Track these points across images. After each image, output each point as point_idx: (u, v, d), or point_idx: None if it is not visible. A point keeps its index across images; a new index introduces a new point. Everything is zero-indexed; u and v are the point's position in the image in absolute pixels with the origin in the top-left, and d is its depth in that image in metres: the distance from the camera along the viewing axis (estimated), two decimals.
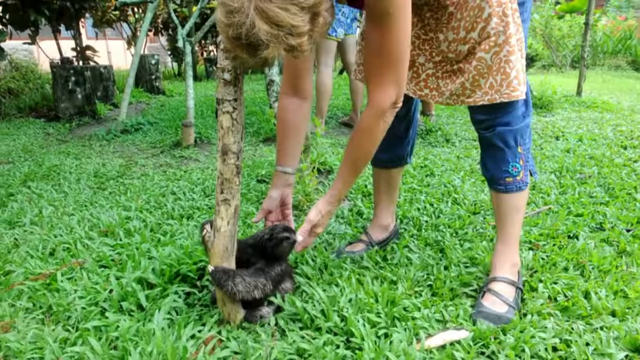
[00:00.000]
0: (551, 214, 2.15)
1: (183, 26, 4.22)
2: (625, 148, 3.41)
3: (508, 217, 1.50)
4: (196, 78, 8.39)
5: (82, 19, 6.49)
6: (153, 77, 6.89)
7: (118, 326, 1.30)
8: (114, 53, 11.52)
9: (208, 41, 9.71)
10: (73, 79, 5.06)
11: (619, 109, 5.12)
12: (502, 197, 1.49)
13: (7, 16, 5.01)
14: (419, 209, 2.21)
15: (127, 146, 3.82)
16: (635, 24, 13.00)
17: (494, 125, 1.43)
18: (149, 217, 2.17)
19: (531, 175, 1.50)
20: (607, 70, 10.40)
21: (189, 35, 4.46)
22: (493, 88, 1.34)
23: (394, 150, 1.74)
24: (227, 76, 1.25)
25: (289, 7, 0.96)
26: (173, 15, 4.38)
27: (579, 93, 5.86)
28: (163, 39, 9.83)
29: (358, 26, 3.74)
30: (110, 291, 1.50)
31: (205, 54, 10.18)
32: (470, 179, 2.65)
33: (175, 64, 10.10)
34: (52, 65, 5.21)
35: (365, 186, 2.52)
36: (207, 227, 1.35)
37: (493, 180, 1.50)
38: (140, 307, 1.44)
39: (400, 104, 1.30)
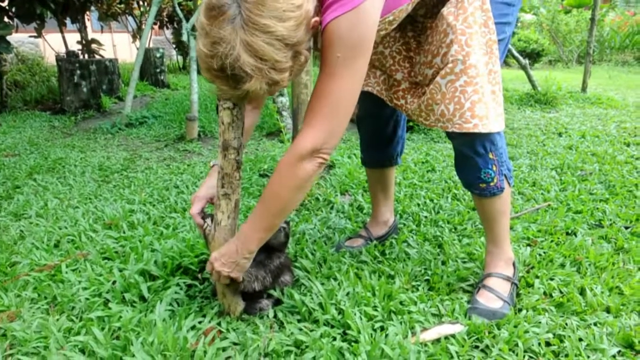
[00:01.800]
0: (550, 211, 2.16)
1: (188, 20, 4.24)
2: (628, 145, 3.40)
3: (492, 220, 1.48)
4: (200, 72, 8.41)
5: (88, 12, 6.52)
6: (158, 70, 6.92)
7: (120, 317, 1.34)
8: (119, 46, 11.54)
9: None
10: (79, 72, 5.10)
11: (624, 106, 5.10)
12: (482, 201, 1.47)
13: (13, 9, 5.04)
14: (418, 205, 2.23)
15: (131, 140, 3.85)
16: None
17: (460, 134, 1.35)
18: (152, 210, 2.20)
19: (507, 181, 1.44)
20: (614, 65, 10.34)
21: (193, 29, 4.47)
22: (444, 116, 1.29)
23: (383, 151, 1.75)
24: None
25: (273, 43, 0.98)
26: (178, 9, 4.40)
27: (583, 89, 5.84)
28: (168, 32, 9.84)
29: None
30: (114, 282, 1.54)
31: None
32: None
33: (180, 57, 10.12)
34: (58, 59, 5.24)
35: (366, 181, 2.53)
36: (208, 220, 1.38)
37: (467, 185, 1.47)
38: (143, 299, 1.47)
39: (326, 158, 1.18)
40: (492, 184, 1.41)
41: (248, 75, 1.00)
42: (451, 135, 1.40)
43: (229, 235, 1.34)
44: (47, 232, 1.99)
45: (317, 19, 1.08)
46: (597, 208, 2.19)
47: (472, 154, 1.38)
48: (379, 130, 1.73)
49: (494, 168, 1.40)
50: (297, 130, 2.60)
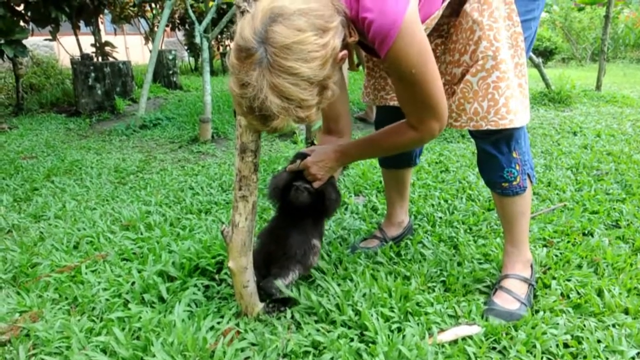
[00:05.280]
0: (566, 211, 2.15)
1: (200, 22, 4.27)
2: None
3: (512, 219, 1.48)
4: (213, 73, 8.46)
5: (101, 15, 6.60)
6: (170, 72, 6.97)
7: (140, 317, 1.36)
8: (131, 48, 11.66)
9: (224, 36, 9.77)
10: (93, 74, 5.16)
11: None
12: (503, 200, 1.47)
13: (29, 14, 5.12)
14: (433, 205, 2.23)
15: (146, 141, 3.90)
16: None
17: (485, 132, 1.37)
18: (169, 211, 2.23)
19: (530, 180, 1.45)
20: (628, 63, 10.20)
21: (205, 31, 4.51)
22: (478, 115, 1.29)
23: (401, 153, 1.73)
24: None
25: (299, 83, 1.00)
26: (190, 11, 4.43)
27: (598, 87, 5.77)
28: (180, 34, 9.92)
29: None
30: (133, 283, 1.56)
31: (221, 48, 10.24)
32: None
33: (192, 59, 10.19)
34: (73, 62, 5.31)
35: (380, 182, 2.54)
36: (298, 161, 1.43)
37: (489, 183, 1.48)
38: (161, 299, 1.49)
39: (443, 128, 1.29)
40: (514, 183, 1.41)
41: (275, 115, 1.02)
42: (475, 134, 1.41)
43: (246, 236, 1.35)
44: (67, 234, 2.02)
45: (345, 52, 1.09)
46: (614, 208, 2.17)
47: (495, 153, 1.39)
48: None
49: (517, 167, 1.40)
50: (310, 131, 2.61)
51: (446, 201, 2.28)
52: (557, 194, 2.37)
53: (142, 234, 1.99)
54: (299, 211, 1.45)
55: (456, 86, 1.34)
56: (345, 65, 1.40)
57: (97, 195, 2.55)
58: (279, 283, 1.39)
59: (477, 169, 2.74)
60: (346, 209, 2.23)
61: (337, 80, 1.12)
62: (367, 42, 1.17)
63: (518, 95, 1.30)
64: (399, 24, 1.06)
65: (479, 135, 1.40)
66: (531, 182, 1.46)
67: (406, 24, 1.07)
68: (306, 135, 2.65)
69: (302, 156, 1.43)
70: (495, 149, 1.39)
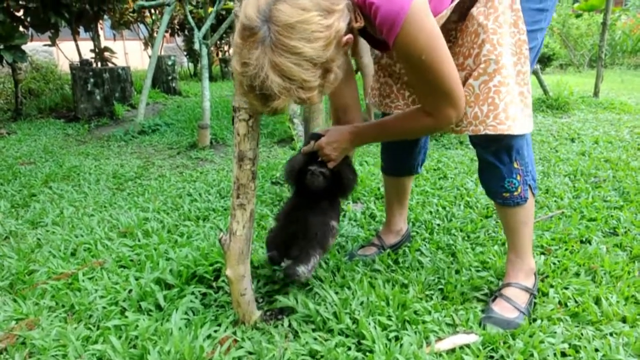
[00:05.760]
0: (564, 218, 2.15)
1: (199, 28, 4.28)
2: None
3: (514, 229, 1.47)
4: (212, 79, 8.48)
5: (101, 21, 6.61)
6: (170, 77, 6.99)
7: (137, 325, 1.35)
8: (131, 54, 11.68)
9: (224, 41, 9.80)
10: (92, 80, 5.17)
11: (637, 110, 5.05)
12: (504, 210, 1.46)
13: (29, 19, 5.13)
14: (431, 212, 2.23)
15: (144, 147, 3.90)
16: None
17: (486, 141, 1.36)
18: (167, 218, 2.23)
19: (532, 191, 1.43)
20: (626, 69, 10.24)
21: (205, 37, 4.52)
22: (477, 119, 1.27)
23: (405, 159, 1.75)
24: None
25: (301, 63, 1.00)
26: (189, 17, 4.45)
27: (596, 94, 5.79)
28: (179, 40, 9.95)
29: None
30: (130, 291, 1.56)
31: (220, 54, 10.27)
32: None
33: (191, 65, 10.21)
34: (72, 67, 5.32)
35: (378, 189, 2.54)
36: (312, 142, 1.43)
37: (490, 193, 1.48)
38: (159, 307, 1.48)
39: (461, 116, 1.27)
40: (515, 193, 1.40)
41: (276, 95, 1.02)
42: (476, 142, 1.40)
43: (244, 244, 1.35)
44: (64, 240, 2.02)
45: (349, 36, 1.08)
46: (612, 215, 2.17)
47: (496, 162, 1.38)
48: (403, 143, 1.72)
49: (518, 177, 1.39)
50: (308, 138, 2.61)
51: (444, 208, 2.28)
52: (555, 201, 2.38)
53: (139, 240, 1.99)
54: (315, 193, 1.46)
55: None
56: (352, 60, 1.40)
57: (95, 201, 2.55)
58: (303, 269, 1.38)
59: (475, 176, 2.77)
60: (344, 215, 2.23)
61: (340, 65, 1.11)
62: (373, 32, 1.17)
63: (518, 103, 1.29)
64: (407, 9, 1.05)
65: (479, 143, 1.39)
66: (533, 193, 1.44)
67: (414, 9, 1.06)
68: (305, 142, 2.65)
69: (316, 137, 1.43)
70: (496, 159, 1.38)
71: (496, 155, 1.38)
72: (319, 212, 1.47)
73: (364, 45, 4.23)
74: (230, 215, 1.35)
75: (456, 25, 1.35)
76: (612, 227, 2.06)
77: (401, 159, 1.75)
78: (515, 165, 1.38)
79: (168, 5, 4.43)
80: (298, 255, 1.43)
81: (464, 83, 1.30)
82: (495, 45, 1.23)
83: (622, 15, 11.08)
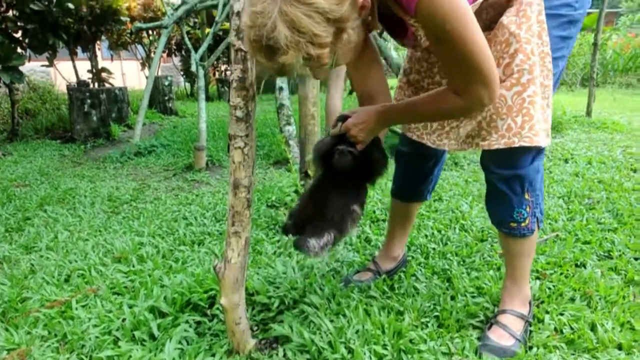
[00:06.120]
0: (559, 242, 2.16)
1: (196, 49, 4.33)
2: (635, 171, 3.40)
3: (515, 258, 1.47)
4: (208, 98, 8.53)
5: (98, 42, 6.67)
6: (166, 98, 7.03)
7: (130, 356, 1.34)
8: (128, 74, 11.75)
9: (220, 61, 9.89)
10: (89, 101, 5.20)
11: (630, 130, 5.11)
12: (509, 240, 1.45)
13: (27, 40, 5.18)
14: (426, 236, 2.23)
15: (140, 169, 3.90)
16: None
17: (499, 168, 1.35)
18: (161, 242, 2.22)
19: (538, 224, 1.42)
20: (618, 88, 10.37)
21: (202, 59, 4.57)
22: (511, 130, 1.23)
23: (416, 186, 1.73)
24: (239, 113, 1.29)
25: (313, 15, 0.95)
26: (186, 39, 4.51)
27: (588, 113, 5.86)
28: (177, 60, 10.03)
29: None
30: (123, 320, 1.54)
31: (217, 74, 10.35)
32: (478, 204, 2.67)
33: (188, 84, 10.28)
34: (69, 88, 5.35)
35: (374, 212, 2.55)
36: (339, 124, 1.36)
37: (497, 222, 1.46)
38: (152, 337, 1.47)
39: (494, 101, 1.19)
40: (523, 224, 1.39)
41: (284, 48, 0.97)
42: (489, 166, 1.37)
43: (238, 272, 1.35)
44: (58, 266, 2.01)
45: None
46: (606, 238, 2.18)
47: (508, 192, 1.36)
48: (418, 168, 1.70)
49: (528, 209, 1.37)
50: (304, 160, 2.62)
51: (439, 231, 2.29)
52: (550, 223, 2.39)
53: (134, 266, 1.98)
54: (342, 175, 1.39)
55: None
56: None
57: (89, 225, 2.54)
58: (314, 243, 1.31)
59: (470, 198, 2.78)
60: None
61: (355, 27, 1.06)
62: (394, 8, 1.12)
63: (541, 116, 1.26)
64: None
65: (493, 168, 1.36)
66: (539, 226, 1.43)
67: None
68: (300, 165, 2.66)
69: (343, 119, 1.37)
70: (507, 188, 1.35)
71: (509, 184, 1.35)
72: (342, 194, 1.39)
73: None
74: (225, 243, 1.35)
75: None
76: (607, 250, 2.07)
77: (415, 184, 1.72)
78: (526, 197, 1.36)
79: (165, 27, 4.48)
80: (311, 230, 1.35)
81: None
82: (528, 55, 1.19)
83: (613, 35, 11.29)
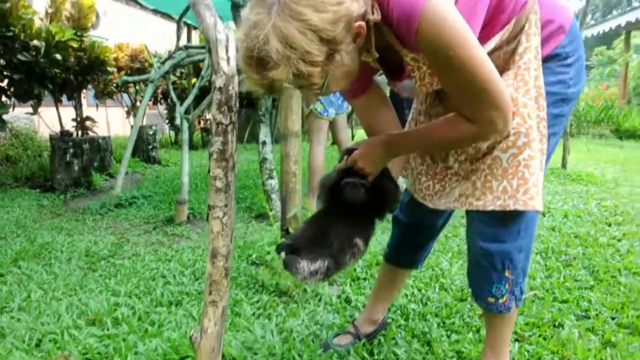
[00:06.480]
0: (537, 301, 2.18)
1: (182, 98, 4.40)
2: (609, 225, 3.49)
3: (495, 329, 1.47)
4: (192, 147, 8.58)
5: (84, 90, 6.73)
6: (150, 147, 7.05)
7: None
8: (112, 121, 11.79)
9: (206, 110, 10.00)
10: (71, 150, 5.18)
11: (603, 182, 5.27)
12: (486, 312, 1.46)
13: (12, 89, 5.20)
14: (406, 295, 2.23)
15: (120, 221, 3.86)
16: (616, 92, 13.62)
17: (486, 241, 1.34)
18: (138, 303, 2.17)
19: (516, 303, 1.40)
20: (591, 138, 10.76)
21: (187, 111, 4.64)
22: (506, 193, 1.22)
23: (412, 255, 1.73)
24: (219, 184, 1.31)
25: (306, 32, 0.97)
26: (172, 93, 4.58)
27: (564, 166, 6.04)
28: (162, 108, 10.13)
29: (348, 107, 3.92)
30: None
31: (202, 123, 10.46)
32: (457, 262, 2.69)
33: (172, 132, 10.34)
34: (52, 138, 5.34)
35: (355, 270, 2.54)
36: (345, 157, 1.35)
37: (475, 294, 1.45)
38: None
39: (509, 129, 1.18)
40: (500, 301, 1.38)
41: (275, 62, 0.99)
42: (474, 240, 1.37)
43: (215, 343, 1.33)
44: (29, 329, 1.94)
45: (361, 23, 1.05)
46: (583, 297, 2.21)
47: (488, 266, 1.35)
48: (414, 237, 1.70)
49: (507, 286, 1.36)
50: (285, 217, 2.64)
51: (420, 290, 2.29)
52: (528, 281, 2.41)
53: (108, 329, 1.93)
54: (351, 209, 1.35)
55: (479, 162, 1.28)
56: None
57: (65, 283, 2.48)
58: (305, 265, 1.26)
59: (449, 254, 2.80)
60: (320, 299, 2.21)
61: (349, 52, 1.07)
62: (393, 43, 1.12)
63: (536, 180, 1.24)
64: (421, 0, 1.00)
65: (478, 242, 1.35)
66: (517, 305, 1.41)
67: (431, 1, 1.00)
68: (281, 221, 2.67)
69: (349, 152, 1.35)
70: (488, 263, 1.35)
71: (491, 259, 1.34)
72: (348, 225, 1.35)
73: (341, 125, 4.33)
74: (202, 312, 1.34)
75: None
76: (584, 310, 2.09)
77: (412, 251, 1.72)
78: (507, 274, 1.35)
79: (152, 82, 4.57)
80: (306, 255, 1.31)
81: (485, 154, 1.26)
82: (525, 118, 1.20)
83: (585, 88, 11.83)
